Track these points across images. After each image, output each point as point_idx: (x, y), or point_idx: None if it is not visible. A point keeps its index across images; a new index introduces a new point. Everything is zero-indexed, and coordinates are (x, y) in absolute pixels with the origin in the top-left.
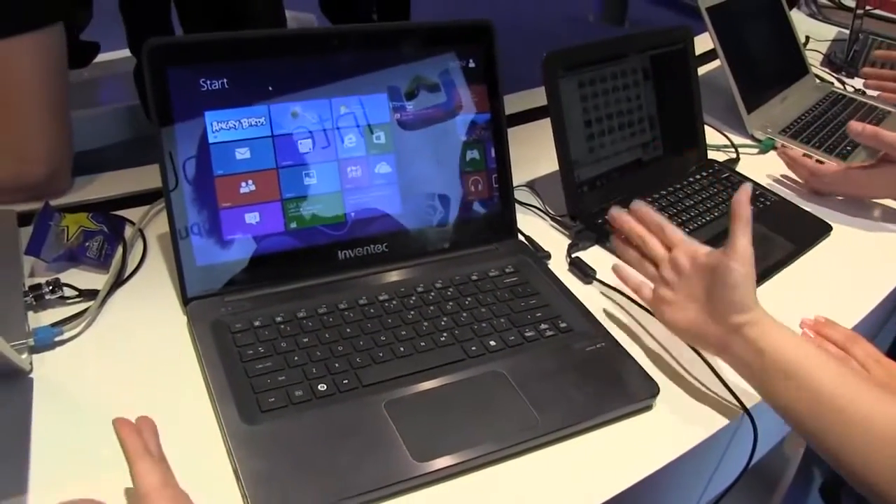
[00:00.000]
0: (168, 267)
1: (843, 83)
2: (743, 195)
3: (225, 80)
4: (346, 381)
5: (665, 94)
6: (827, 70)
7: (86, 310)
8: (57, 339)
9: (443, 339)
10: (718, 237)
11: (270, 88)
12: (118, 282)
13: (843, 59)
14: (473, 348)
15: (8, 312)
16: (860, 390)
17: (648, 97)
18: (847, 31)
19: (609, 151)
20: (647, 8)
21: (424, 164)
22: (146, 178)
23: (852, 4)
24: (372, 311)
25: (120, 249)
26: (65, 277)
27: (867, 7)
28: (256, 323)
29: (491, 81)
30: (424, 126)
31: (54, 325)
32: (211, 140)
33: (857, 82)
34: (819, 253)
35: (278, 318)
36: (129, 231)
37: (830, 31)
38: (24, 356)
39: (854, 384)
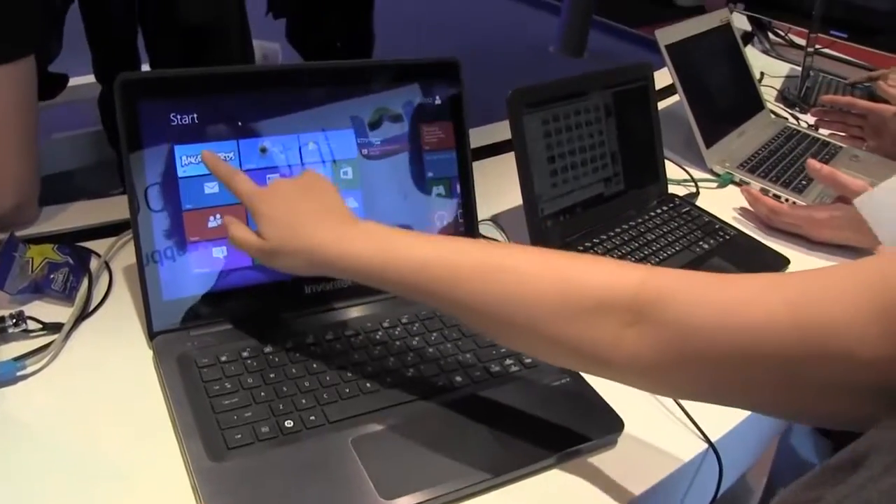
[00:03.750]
0: (134, 300)
1: (796, 118)
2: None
3: (195, 115)
4: (312, 418)
5: (627, 130)
6: (781, 105)
7: (50, 343)
8: (19, 373)
9: (409, 374)
10: None
11: (239, 124)
12: (83, 315)
13: (796, 96)
14: (440, 384)
15: None
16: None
17: (611, 133)
18: (799, 68)
19: (572, 186)
20: (606, 40)
21: (391, 200)
22: (114, 209)
23: (803, 43)
24: (338, 346)
25: (85, 282)
26: (29, 310)
27: (817, 46)
28: (223, 358)
29: (457, 119)
30: (391, 162)
31: (17, 359)
32: (180, 174)
33: (810, 118)
34: None
35: (245, 353)
36: (94, 263)
37: (783, 68)
38: None
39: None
